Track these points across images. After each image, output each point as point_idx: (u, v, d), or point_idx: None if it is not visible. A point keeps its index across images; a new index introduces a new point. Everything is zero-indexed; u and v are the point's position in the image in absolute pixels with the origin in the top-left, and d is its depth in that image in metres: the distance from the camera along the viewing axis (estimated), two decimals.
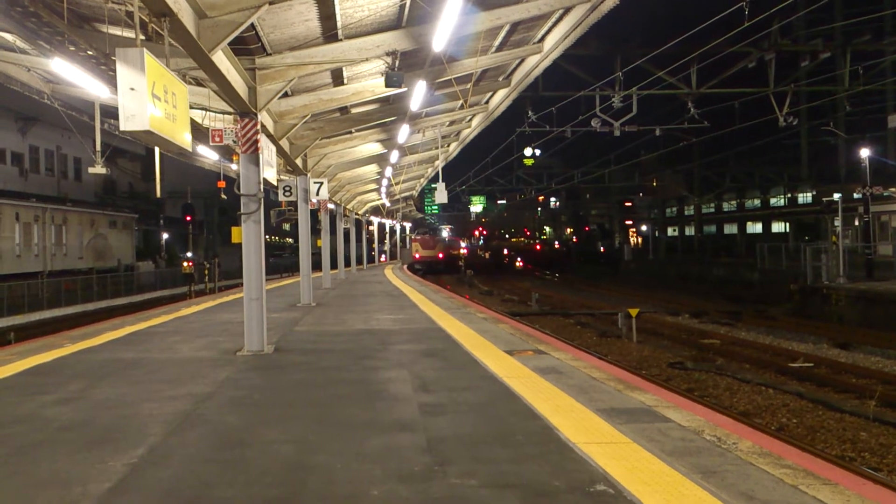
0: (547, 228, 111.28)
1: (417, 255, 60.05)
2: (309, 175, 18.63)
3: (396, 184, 36.88)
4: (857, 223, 36.99)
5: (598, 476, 4.56)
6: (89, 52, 10.48)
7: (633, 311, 20.74)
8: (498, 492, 4.31)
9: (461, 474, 4.63)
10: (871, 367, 15.70)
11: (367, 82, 14.30)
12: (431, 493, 4.31)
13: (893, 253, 31.64)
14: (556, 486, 4.38)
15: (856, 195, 31.24)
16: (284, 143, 15.13)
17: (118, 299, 33.11)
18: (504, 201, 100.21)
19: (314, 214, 24.00)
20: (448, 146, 29.57)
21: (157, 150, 23.32)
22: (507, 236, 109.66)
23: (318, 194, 19.10)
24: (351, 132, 20.08)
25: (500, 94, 19.97)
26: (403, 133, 19.12)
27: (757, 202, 64.95)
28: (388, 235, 68.33)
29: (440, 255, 60.86)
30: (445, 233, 75.28)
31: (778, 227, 60.14)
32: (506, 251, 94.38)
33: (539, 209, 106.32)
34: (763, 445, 5.16)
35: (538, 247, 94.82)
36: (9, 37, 11.14)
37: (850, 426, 11.07)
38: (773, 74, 26.51)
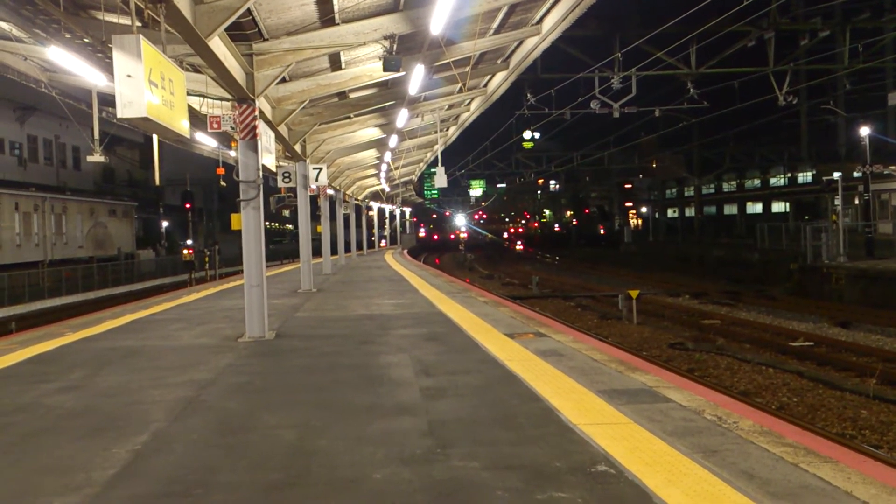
0: (547, 211, 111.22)
1: (436, 237, 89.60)
2: (308, 161, 18.59)
3: (396, 168, 36.79)
4: (857, 202, 36.94)
5: (599, 457, 4.58)
6: (86, 40, 10.43)
7: (634, 293, 20.77)
8: (500, 473, 4.33)
9: (463, 457, 4.64)
10: (872, 345, 15.74)
11: (365, 66, 14.24)
12: (434, 476, 4.33)
13: (894, 231, 31.62)
14: (557, 468, 4.40)
15: (856, 174, 31.22)
16: (283, 129, 15.09)
17: (119, 288, 33.14)
18: (504, 185, 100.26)
19: (314, 200, 23.97)
20: (447, 130, 29.47)
21: (155, 137, 23.28)
22: (506, 220, 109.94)
23: (317, 180, 19.06)
24: (349, 117, 20.01)
25: (499, 76, 19.88)
26: (402, 117, 19.05)
27: (757, 182, 64.85)
28: (387, 220, 68.31)
29: (451, 237, 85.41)
30: (457, 220, 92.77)
31: (778, 206, 60.07)
32: (505, 234, 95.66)
33: (539, 192, 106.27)
34: (764, 424, 5.17)
35: (520, 229, 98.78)
36: (5, 25, 11.08)
37: (851, 404, 11.11)
38: (773, 53, 26.37)
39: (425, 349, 8.79)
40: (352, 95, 17.52)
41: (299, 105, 14.61)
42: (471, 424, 5.39)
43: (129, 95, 6.17)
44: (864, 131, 28.13)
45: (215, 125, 13.27)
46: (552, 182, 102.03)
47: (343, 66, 14.23)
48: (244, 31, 10.72)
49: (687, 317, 21.22)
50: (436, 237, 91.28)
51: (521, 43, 16.51)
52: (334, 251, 30.64)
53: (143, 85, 6.19)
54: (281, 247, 61.24)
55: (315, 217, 24.84)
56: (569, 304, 25.35)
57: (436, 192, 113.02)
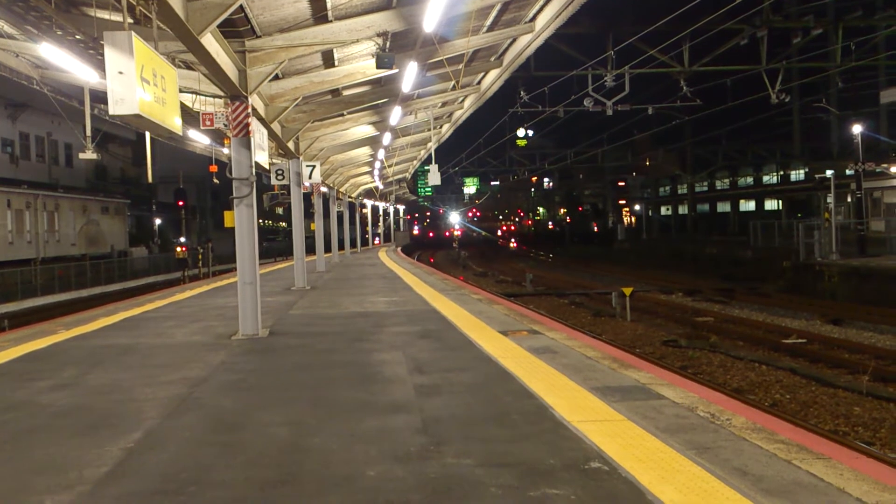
0: (540, 209, 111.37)
1: (431, 234, 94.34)
2: (301, 158, 18.55)
3: (389, 166, 36.76)
4: (849, 199, 37.07)
5: (592, 454, 4.58)
6: (77, 37, 10.38)
7: (627, 290, 20.81)
8: (494, 471, 4.33)
9: (457, 454, 4.64)
10: (864, 342, 15.79)
11: (359, 64, 14.20)
12: (427, 473, 4.32)
13: (885, 229, 31.73)
14: (551, 465, 4.41)
15: (848, 171, 31.31)
16: (276, 127, 15.06)
17: (112, 285, 33.06)
18: (497, 182, 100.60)
19: (307, 198, 23.95)
20: (440, 127, 29.46)
21: (147, 134, 23.19)
22: (500, 217, 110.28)
23: (310, 177, 19.02)
24: (343, 114, 19.96)
25: (492, 74, 19.87)
26: (395, 115, 19.02)
27: (750, 180, 65.02)
28: (381, 218, 68.28)
29: (446, 234, 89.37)
30: (452, 218, 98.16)
31: (771, 204, 60.21)
32: (499, 232, 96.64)
33: (532, 189, 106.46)
34: (756, 421, 5.19)
35: (512, 227, 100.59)
36: None
37: (844, 401, 11.15)
38: (766, 51, 26.44)
39: (419, 346, 8.79)
40: (345, 93, 17.48)
41: (292, 102, 14.57)
42: (465, 422, 5.39)
43: (121, 92, 6.15)
44: (857, 129, 28.21)
45: (208, 122, 13.24)
46: (546, 179, 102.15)
47: (336, 63, 14.19)
48: (237, 28, 10.68)
49: (680, 314, 21.26)
50: (431, 234, 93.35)
51: (514, 40, 16.50)
52: (328, 249, 30.61)
53: (135, 82, 6.16)
54: (274, 244, 61.17)
55: (308, 214, 24.81)
56: (562, 302, 25.37)
57: (429, 189, 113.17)
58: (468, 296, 14.88)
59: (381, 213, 67.01)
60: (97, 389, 6.88)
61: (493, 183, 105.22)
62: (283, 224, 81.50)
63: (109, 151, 48.66)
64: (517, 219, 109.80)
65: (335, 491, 4.11)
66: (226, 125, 12.12)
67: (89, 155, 16.16)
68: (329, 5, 10.80)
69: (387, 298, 14.88)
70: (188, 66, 12.43)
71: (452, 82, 17.98)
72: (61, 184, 41.44)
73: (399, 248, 51.56)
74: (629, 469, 4.28)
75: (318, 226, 25.46)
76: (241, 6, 9.46)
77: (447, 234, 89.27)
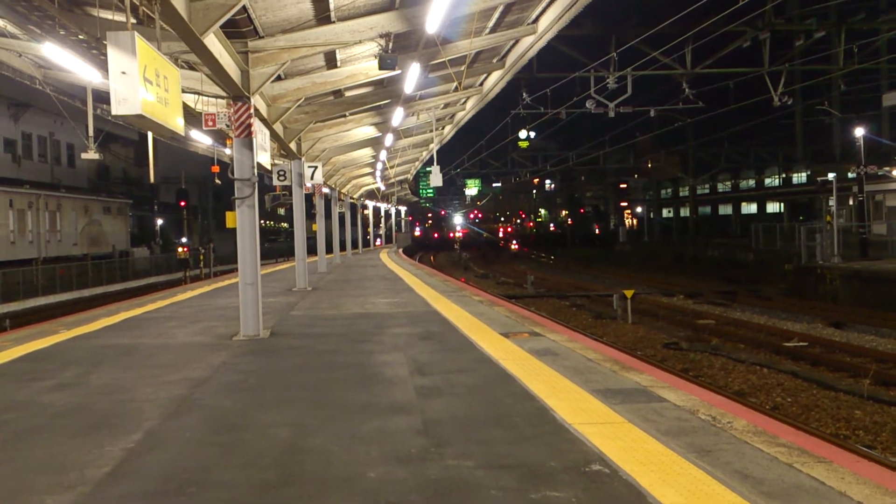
0: (542, 211, 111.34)
1: (435, 235, 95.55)
2: (303, 159, 18.56)
3: (391, 167, 36.77)
4: (851, 203, 37.06)
5: (593, 456, 4.58)
6: (80, 37, 10.39)
7: (628, 293, 20.79)
8: (494, 472, 4.32)
9: (457, 456, 4.64)
10: (866, 345, 15.77)
11: (361, 65, 14.21)
12: (428, 475, 4.32)
13: (888, 232, 31.70)
14: (552, 467, 4.40)
15: (850, 175, 31.29)
16: (278, 127, 15.07)
17: (113, 285, 33.08)
18: (499, 184, 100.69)
19: (309, 199, 23.96)
20: (442, 129, 29.46)
21: (150, 135, 23.20)
22: (501, 219, 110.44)
23: (312, 178, 19.05)
24: (345, 115, 19.98)
25: (495, 75, 19.87)
26: (398, 116, 19.02)
27: (752, 183, 64.99)
28: (383, 219, 68.30)
29: (450, 235, 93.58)
30: (453, 220, 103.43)
31: (773, 207, 60.21)
32: (501, 233, 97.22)
33: (534, 191, 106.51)
34: (758, 424, 5.18)
35: (510, 228, 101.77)
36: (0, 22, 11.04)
37: (845, 405, 11.13)
38: (768, 54, 26.41)
39: (420, 348, 8.79)
40: (347, 94, 17.49)
41: (294, 103, 14.58)
42: (465, 423, 5.39)
43: (124, 92, 6.15)
44: (859, 132, 28.19)
45: (210, 123, 13.26)
46: (547, 181, 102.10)
47: (338, 64, 14.20)
48: (239, 29, 10.69)
49: (681, 317, 21.23)
50: (435, 235, 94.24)
51: (516, 42, 16.50)
52: (329, 250, 30.63)
53: (138, 82, 6.17)
54: (276, 245, 61.26)
55: (310, 215, 24.83)
56: (564, 304, 25.34)
57: (431, 191, 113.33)
58: (469, 297, 14.88)
59: (382, 214, 67.04)
60: (98, 390, 6.89)
61: (494, 185, 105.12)
62: (285, 225, 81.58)
63: (112, 152, 48.73)
64: (519, 221, 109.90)
65: (336, 492, 4.11)
66: (228, 126, 12.15)
67: (91, 155, 16.20)
68: (332, 6, 10.81)
69: (388, 300, 14.88)
70: (191, 67, 12.45)
71: (455, 84, 18.00)
72: (63, 184, 41.49)
73: (400, 250, 51.54)
74: (630, 472, 4.27)
75: (319, 227, 25.49)
76: (243, 7, 9.48)
77: (449, 235, 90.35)
